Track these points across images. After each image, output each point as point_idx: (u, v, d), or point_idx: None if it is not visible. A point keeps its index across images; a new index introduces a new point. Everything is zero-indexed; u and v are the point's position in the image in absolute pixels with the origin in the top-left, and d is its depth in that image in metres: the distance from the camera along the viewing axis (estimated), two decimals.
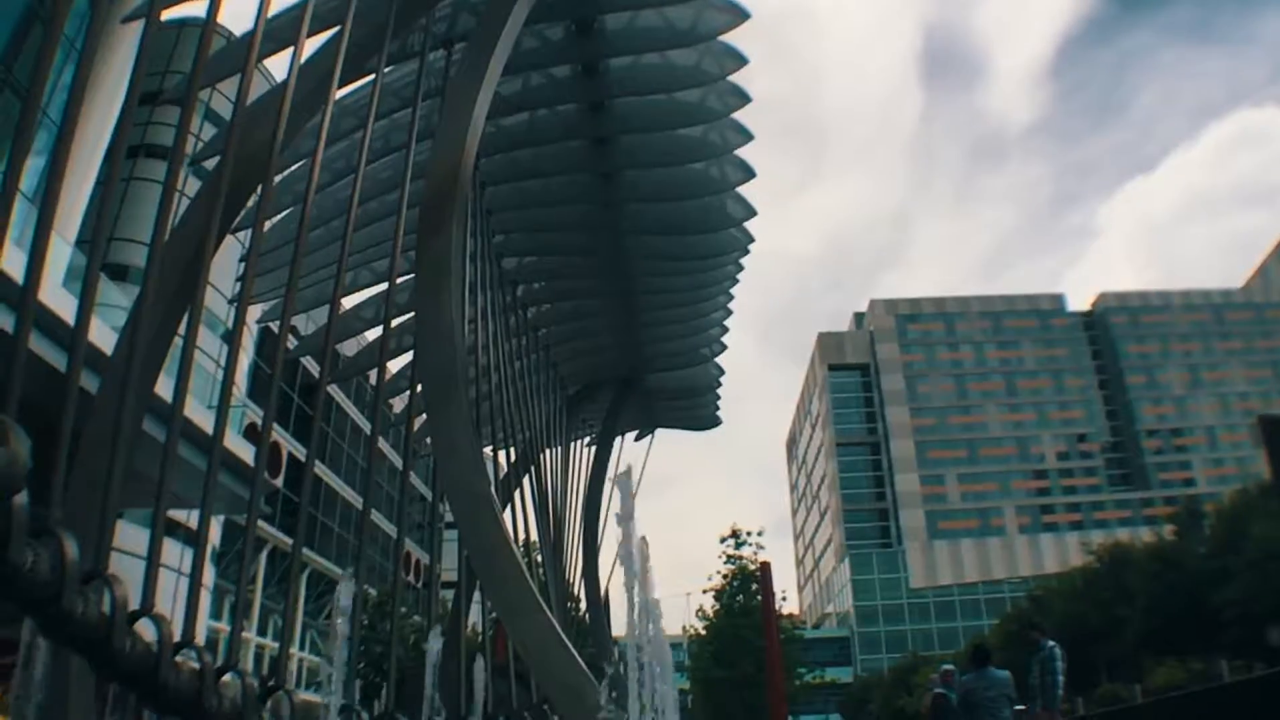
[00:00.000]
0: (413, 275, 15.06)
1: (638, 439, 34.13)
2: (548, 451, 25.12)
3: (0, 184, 4.88)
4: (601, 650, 26.67)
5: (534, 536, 22.10)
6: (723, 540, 51.98)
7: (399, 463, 23.86)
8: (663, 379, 30.45)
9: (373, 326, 23.97)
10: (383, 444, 40.29)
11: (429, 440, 15.61)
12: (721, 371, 33.05)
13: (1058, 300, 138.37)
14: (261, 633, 38.76)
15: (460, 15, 16.21)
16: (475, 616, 21.91)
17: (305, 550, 37.76)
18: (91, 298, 6.01)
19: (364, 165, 11.94)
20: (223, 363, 26.24)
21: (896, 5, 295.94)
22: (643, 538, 8.29)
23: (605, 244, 22.70)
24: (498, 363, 19.65)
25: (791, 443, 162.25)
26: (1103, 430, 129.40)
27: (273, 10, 9.02)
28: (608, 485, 29.81)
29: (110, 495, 6.10)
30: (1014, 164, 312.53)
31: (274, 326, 29.21)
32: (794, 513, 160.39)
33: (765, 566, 43.69)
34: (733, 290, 27.63)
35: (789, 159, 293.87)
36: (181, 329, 9.92)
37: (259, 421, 27.66)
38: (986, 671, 13.03)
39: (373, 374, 27.36)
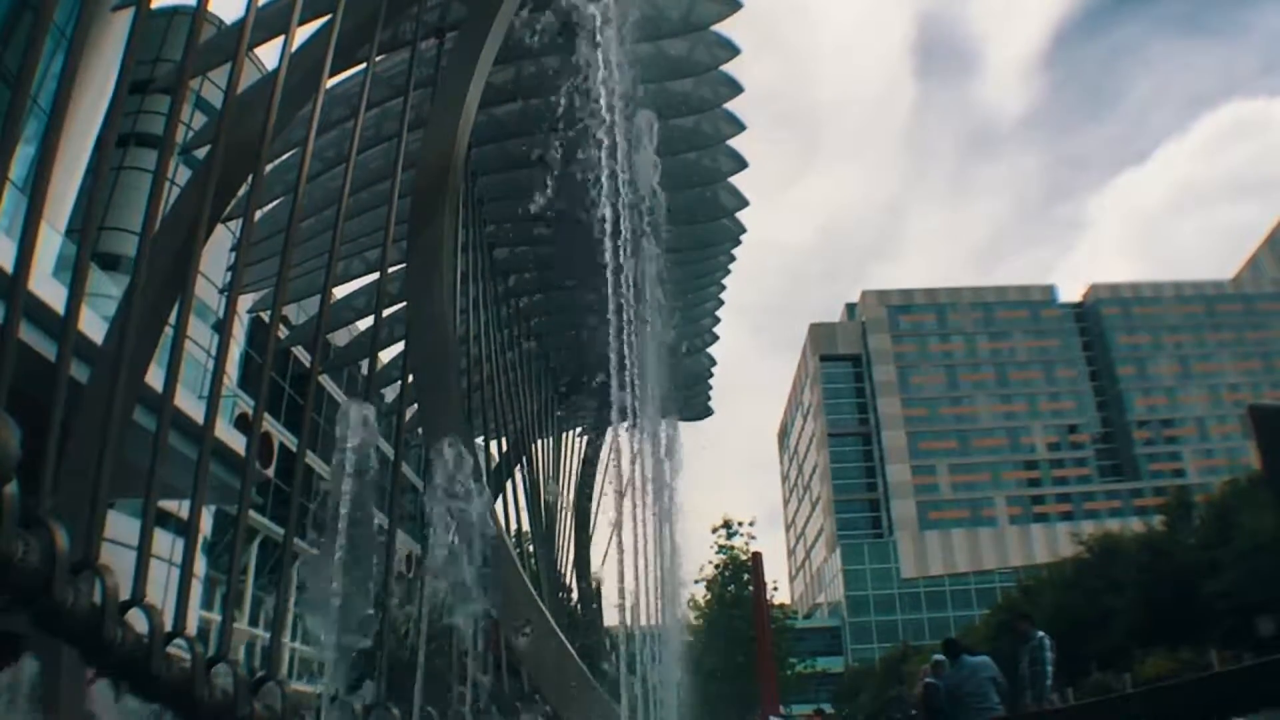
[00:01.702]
0: (404, 265, 15.06)
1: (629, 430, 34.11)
2: (539, 442, 25.13)
3: None
4: (595, 639, 26.71)
5: (526, 526, 22.12)
6: (714, 531, 52.14)
7: (390, 453, 23.82)
8: None
9: (364, 316, 23.94)
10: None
11: (420, 430, 15.60)
12: (713, 362, 33.10)
13: (1049, 291, 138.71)
14: (253, 623, 38.72)
15: (452, 4, 16.17)
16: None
17: (296, 540, 37.69)
18: (82, 287, 5.99)
19: (355, 154, 11.91)
20: (214, 352, 26.17)
21: None
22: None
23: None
24: (489, 353, 19.64)
25: (783, 433, 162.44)
26: (1093, 421, 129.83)
27: None
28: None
29: (100, 485, 6.08)
30: (1006, 156, 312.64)
31: (265, 316, 29.13)
32: (785, 503, 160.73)
33: (757, 557, 43.89)
34: (725, 281, 27.66)
35: (781, 149, 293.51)
36: (172, 318, 9.90)
37: (250, 411, 27.62)
38: (963, 662, 13.05)
39: (364, 364, 27.35)
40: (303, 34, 11.36)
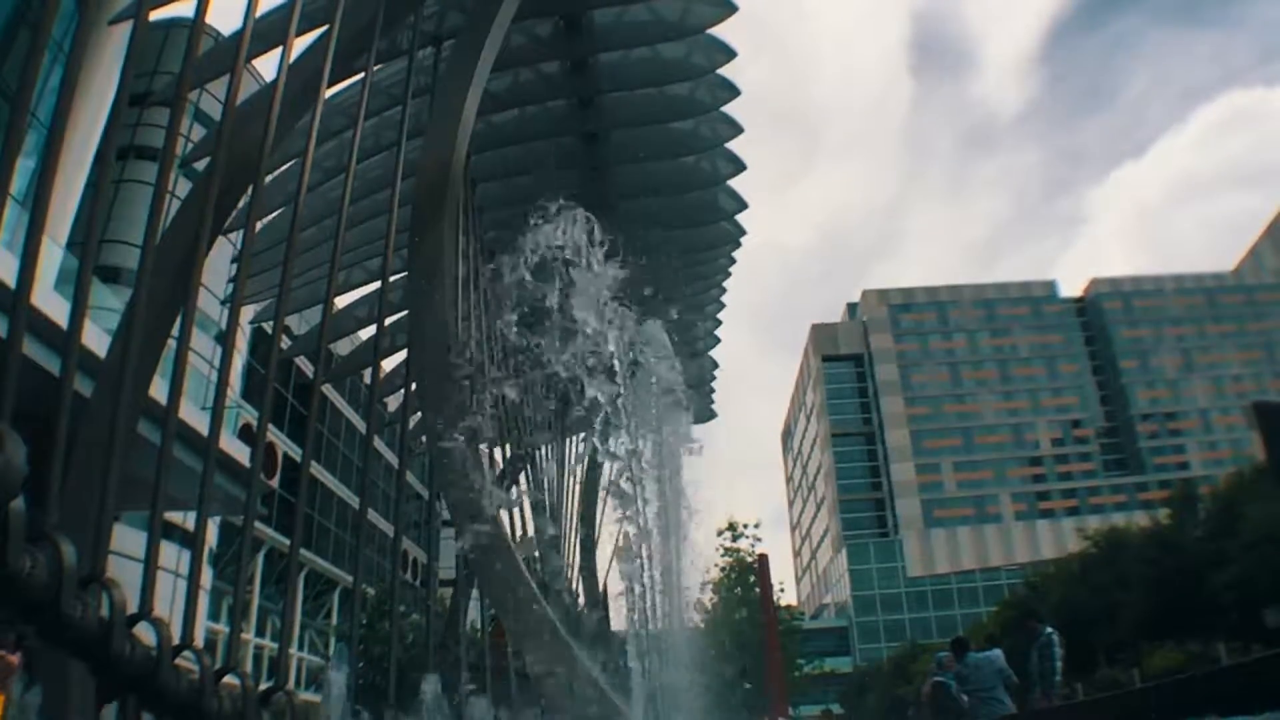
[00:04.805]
0: (406, 273, 15.08)
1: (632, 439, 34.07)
2: (544, 448, 25.09)
3: None
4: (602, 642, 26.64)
5: (531, 533, 22.09)
6: (720, 533, 52.07)
7: (395, 461, 23.87)
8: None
9: (366, 325, 23.94)
10: (378, 443, 40.28)
11: (424, 438, 15.61)
12: (715, 365, 33.07)
13: (1050, 287, 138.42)
14: (260, 633, 38.75)
15: (449, 12, 16.19)
16: (474, 614, 21.94)
17: (302, 550, 37.72)
18: (84, 300, 5.99)
19: (355, 164, 11.93)
20: (217, 364, 26.18)
21: None
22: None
23: None
24: (493, 360, 19.62)
25: (787, 434, 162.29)
26: (1097, 416, 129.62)
27: (261, 10, 8.99)
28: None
29: (107, 499, 6.09)
30: (1005, 151, 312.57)
31: (267, 327, 29.16)
32: (790, 504, 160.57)
33: (763, 558, 43.93)
34: (725, 283, 27.65)
35: (780, 150, 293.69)
36: (175, 330, 9.91)
37: (254, 422, 27.62)
38: (967, 659, 13.04)
39: (367, 373, 27.34)
40: (300, 45, 11.39)
